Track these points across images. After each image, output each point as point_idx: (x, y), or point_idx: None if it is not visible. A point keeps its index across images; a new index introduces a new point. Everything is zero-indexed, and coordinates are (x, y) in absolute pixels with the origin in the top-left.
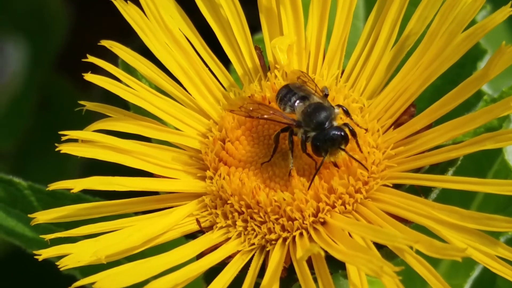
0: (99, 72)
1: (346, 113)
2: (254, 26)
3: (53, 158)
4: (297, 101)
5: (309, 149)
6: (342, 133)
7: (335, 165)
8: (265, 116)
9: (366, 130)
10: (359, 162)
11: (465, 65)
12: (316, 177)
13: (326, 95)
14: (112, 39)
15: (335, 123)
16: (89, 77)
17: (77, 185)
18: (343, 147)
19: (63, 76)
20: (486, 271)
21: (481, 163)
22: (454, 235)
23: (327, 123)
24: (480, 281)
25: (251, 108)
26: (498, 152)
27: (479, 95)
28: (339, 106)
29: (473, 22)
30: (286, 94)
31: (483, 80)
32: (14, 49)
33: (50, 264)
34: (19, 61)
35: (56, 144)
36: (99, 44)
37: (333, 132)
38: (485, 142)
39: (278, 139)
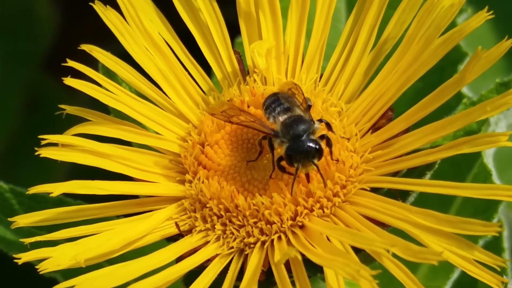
0: (82, 75)
1: (328, 126)
2: (235, 26)
3: (41, 159)
4: (280, 112)
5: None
6: (317, 147)
7: (307, 177)
8: (244, 123)
9: (348, 139)
10: (324, 181)
11: (445, 68)
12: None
13: (309, 107)
14: (100, 40)
15: (312, 137)
16: (69, 81)
17: (57, 189)
18: (315, 161)
19: (50, 77)
20: (466, 274)
21: (460, 166)
22: (431, 238)
23: (304, 136)
24: (460, 284)
25: (232, 114)
26: (477, 155)
27: (459, 98)
28: (321, 120)
29: (453, 25)
30: (273, 103)
31: (460, 85)
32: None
33: (32, 267)
34: (5, 62)
35: (36, 148)
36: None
37: (308, 144)
38: (462, 146)
39: (261, 143)
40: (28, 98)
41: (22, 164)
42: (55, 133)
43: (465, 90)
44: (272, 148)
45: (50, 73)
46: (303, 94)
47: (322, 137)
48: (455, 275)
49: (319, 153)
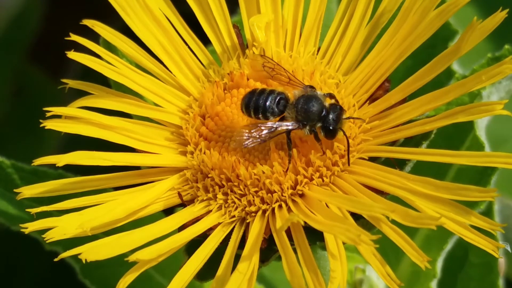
0: (69, 61)
1: (311, 87)
2: (234, 2)
3: (27, 147)
4: (279, 106)
5: (321, 136)
6: (338, 107)
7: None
8: (268, 138)
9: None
10: (323, 150)
11: (436, 45)
12: (294, 150)
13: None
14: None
15: (327, 104)
16: (72, 55)
17: (61, 160)
18: (345, 116)
19: (37, 64)
20: (458, 248)
21: (453, 140)
22: (428, 205)
23: (324, 110)
24: (453, 257)
25: (250, 137)
26: (470, 128)
27: (450, 75)
28: (309, 87)
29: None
30: (258, 101)
31: (455, 55)
32: None
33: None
34: None
35: (41, 120)
36: (81, 23)
37: (335, 112)
38: (457, 115)
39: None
40: (15, 85)
41: (7, 154)
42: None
43: (456, 67)
44: (290, 139)
45: (37, 59)
46: (278, 64)
47: (330, 97)
48: (448, 247)
49: (343, 110)
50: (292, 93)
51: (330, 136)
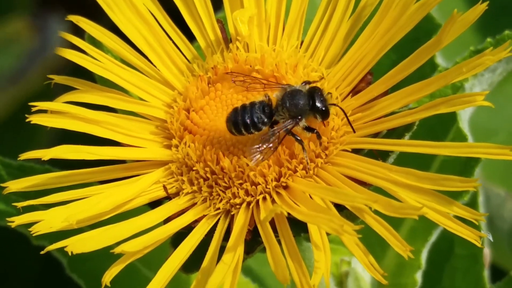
0: None
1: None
2: (216, 6)
3: (16, 144)
4: (265, 113)
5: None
6: (317, 88)
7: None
8: (278, 143)
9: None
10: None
11: (419, 39)
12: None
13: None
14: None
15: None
16: (59, 51)
17: (47, 154)
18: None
19: None
20: (444, 240)
21: (436, 132)
22: (411, 195)
23: (309, 98)
24: (438, 250)
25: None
26: (453, 120)
27: (434, 68)
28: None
29: None
30: (244, 118)
31: (437, 47)
32: None
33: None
34: None
35: (27, 116)
36: (66, 19)
37: (318, 94)
38: (439, 106)
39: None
40: None
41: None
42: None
43: (440, 61)
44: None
45: None
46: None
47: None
48: (432, 239)
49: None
50: (273, 96)
51: (326, 115)
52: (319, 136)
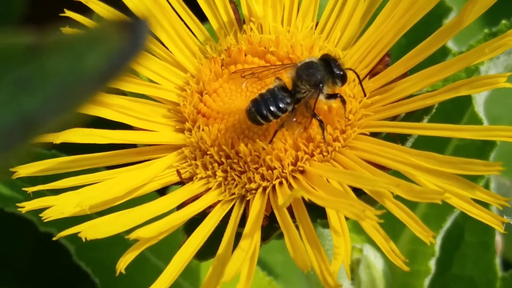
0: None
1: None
2: None
3: None
4: (286, 95)
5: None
6: (328, 55)
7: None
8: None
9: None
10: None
11: (430, 23)
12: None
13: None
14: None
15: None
16: (67, 31)
17: (57, 137)
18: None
19: None
20: (454, 228)
21: (451, 117)
22: (432, 180)
23: (323, 65)
24: (448, 238)
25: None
26: (468, 104)
27: (445, 53)
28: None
29: None
30: (269, 107)
31: (457, 28)
32: None
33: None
34: None
35: None
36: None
37: (332, 60)
38: (460, 88)
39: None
40: None
41: None
42: None
43: (450, 45)
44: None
45: None
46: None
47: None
48: (446, 226)
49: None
50: (287, 77)
51: (345, 79)
52: (343, 101)
